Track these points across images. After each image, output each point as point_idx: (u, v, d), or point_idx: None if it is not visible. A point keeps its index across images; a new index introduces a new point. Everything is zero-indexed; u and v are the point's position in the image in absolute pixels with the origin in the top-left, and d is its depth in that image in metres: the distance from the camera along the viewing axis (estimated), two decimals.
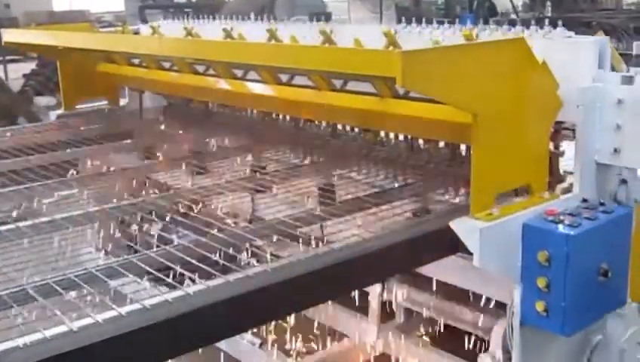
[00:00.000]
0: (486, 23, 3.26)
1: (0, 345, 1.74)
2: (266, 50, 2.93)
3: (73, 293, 2.13)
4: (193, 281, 2.13)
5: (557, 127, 2.84)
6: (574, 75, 2.66)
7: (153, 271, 2.28)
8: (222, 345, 3.75)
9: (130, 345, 1.83)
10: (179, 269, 2.25)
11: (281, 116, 4.14)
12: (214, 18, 4.63)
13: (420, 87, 2.27)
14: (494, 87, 2.41)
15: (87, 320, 1.85)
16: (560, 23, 2.87)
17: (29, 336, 1.77)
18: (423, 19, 3.38)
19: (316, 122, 3.91)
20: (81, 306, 1.96)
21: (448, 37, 3.11)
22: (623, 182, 2.70)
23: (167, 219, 2.93)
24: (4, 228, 2.66)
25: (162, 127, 4.56)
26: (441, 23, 3.37)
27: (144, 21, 10.37)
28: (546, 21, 2.89)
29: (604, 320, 2.71)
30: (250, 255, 2.51)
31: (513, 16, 15.71)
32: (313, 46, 3.04)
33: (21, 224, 2.69)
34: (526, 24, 3.02)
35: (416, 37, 3.26)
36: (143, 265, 2.29)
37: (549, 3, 14.84)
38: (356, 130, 3.72)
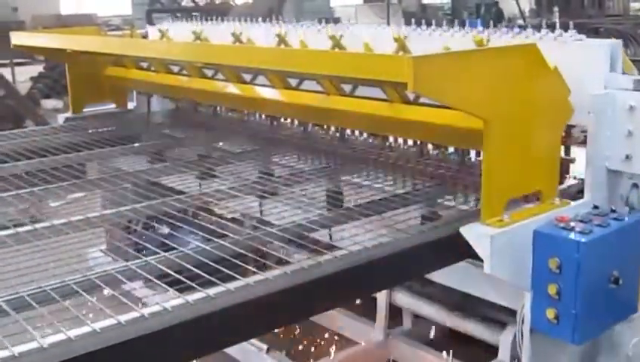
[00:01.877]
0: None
1: (22, 345, 1.75)
2: (275, 55, 2.93)
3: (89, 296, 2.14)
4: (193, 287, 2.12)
5: (567, 130, 2.83)
6: (586, 78, 2.65)
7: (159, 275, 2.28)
8: (229, 349, 3.74)
9: (150, 347, 1.85)
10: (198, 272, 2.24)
11: (289, 121, 4.14)
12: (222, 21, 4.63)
13: (431, 93, 2.26)
14: (505, 93, 2.40)
15: (109, 321, 1.86)
16: (571, 24, 2.86)
17: (51, 337, 1.78)
18: (433, 22, 3.37)
19: (324, 127, 3.91)
20: (101, 308, 1.97)
21: (458, 40, 3.09)
22: (635, 186, 2.69)
23: (176, 222, 2.92)
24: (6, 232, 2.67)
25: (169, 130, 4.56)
26: (451, 23, 3.36)
27: (151, 24, 10.37)
28: (557, 24, 2.88)
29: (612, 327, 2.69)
30: (255, 260, 2.50)
31: (520, 21, 15.72)
32: (324, 51, 3.03)
33: (34, 226, 2.70)
34: (536, 29, 3.01)
35: (426, 40, 3.25)
36: (157, 269, 2.29)
37: (556, 8, 14.82)
38: (365, 134, 3.71)
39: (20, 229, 2.68)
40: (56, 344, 1.76)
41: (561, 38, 2.83)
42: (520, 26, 3.22)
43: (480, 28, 3.10)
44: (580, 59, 2.69)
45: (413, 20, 3.44)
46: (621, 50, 2.74)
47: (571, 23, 2.86)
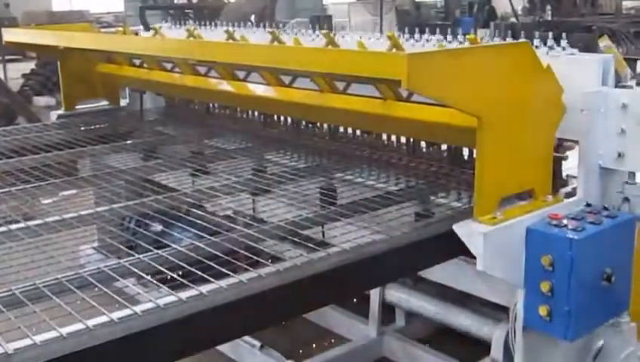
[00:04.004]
0: (486, 26, 3.26)
1: (16, 342, 1.74)
2: (270, 52, 2.92)
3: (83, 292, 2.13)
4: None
5: (560, 142, 2.84)
6: (577, 93, 2.64)
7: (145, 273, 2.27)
8: (222, 347, 3.73)
9: (143, 344, 1.85)
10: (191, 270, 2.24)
11: (282, 118, 4.13)
12: (215, 22, 4.63)
13: (425, 90, 2.26)
14: (499, 91, 2.40)
15: (102, 318, 1.86)
16: (564, 35, 2.86)
17: (45, 334, 1.78)
18: (426, 30, 3.38)
19: (318, 124, 3.90)
20: (94, 305, 1.96)
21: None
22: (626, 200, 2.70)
23: (168, 220, 2.92)
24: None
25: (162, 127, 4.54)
26: (444, 29, 3.36)
27: (144, 22, 10.35)
28: (550, 34, 2.88)
29: (603, 335, 2.70)
30: (248, 258, 2.49)
31: (513, 19, 15.73)
32: (318, 48, 3.03)
33: (27, 224, 2.69)
34: (527, 28, 3.02)
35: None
36: (149, 266, 2.28)
37: (549, 7, 14.84)
38: (358, 132, 3.71)
39: (12, 226, 2.67)
40: (49, 341, 1.76)
41: (553, 52, 2.83)
42: (511, 25, 3.23)
43: (473, 35, 3.10)
44: (571, 74, 2.68)
45: (408, 22, 3.45)
46: (613, 64, 2.74)
47: (564, 34, 2.86)
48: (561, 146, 2.87)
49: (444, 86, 2.24)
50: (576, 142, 2.75)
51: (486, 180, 2.45)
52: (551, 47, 2.84)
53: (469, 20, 17.18)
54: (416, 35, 3.37)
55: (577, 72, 2.71)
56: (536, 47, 2.82)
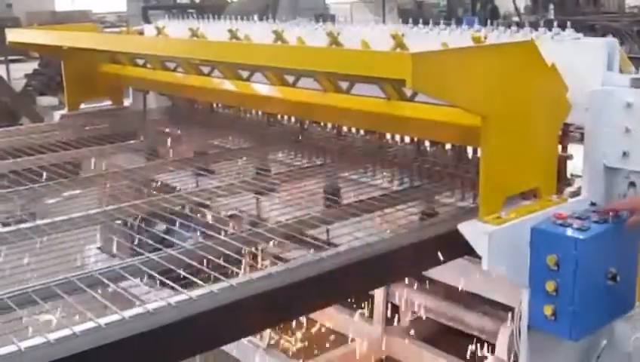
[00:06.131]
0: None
1: (28, 340, 1.75)
2: (273, 52, 2.92)
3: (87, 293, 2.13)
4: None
5: (565, 129, 2.84)
6: (583, 77, 2.65)
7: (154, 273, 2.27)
8: (226, 346, 3.73)
9: (153, 342, 1.85)
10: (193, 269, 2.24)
11: (286, 118, 4.13)
12: (219, 19, 4.63)
13: (430, 89, 2.26)
14: (503, 90, 2.40)
15: (114, 317, 1.87)
16: (569, 24, 2.86)
17: (58, 332, 1.78)
18: (430, 21, 3.38)
19: (321, 124, 3.90)
20: (108, 304, 1.97)
21: (455, 38, 3.10)
22: (632, 184, 2.69)
23: (172, 220, 2.92)
24: (7, 229, 2.66)
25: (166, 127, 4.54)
26: (447, 23, 3.37)
27: (147, 22, 10.36)
28: (555, 23, 2.88)
29: (612, 324, 2.69)
30: (253, 258, 2.50)
31: (516, 19, 15.73)
32: (322, 48, 3.03)
33: (32, 224, 2.69)
34: (533, 26, 3.02)
35: (423, 38, 3.26)
36: (153, 266, 2.28)
37: (552, 6, 14.83)
38: (361, 132, 3.71)
39: (18, 226, 2.67)
40: (62, 339, 1.76)
41: (558, 37, 2.83)
42: (517, 24, 3.23)
43: (477, 26, 3.11)
44: (577, 58, 2.68)
45: (410, 20, 3.45)
46: (618, 48, 2.74)
47: (569, 23, 2.87)
48: (566, 135, 2.87)
49: (449, 85, 2.23)
50: (581, 134, 2.75)
51: (490, 179, 2.45)
52: (556, 33, 2.84)
53: (472, 19, 17.16)
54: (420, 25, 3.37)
55: (582, 56, 2.71)
56: (541, 33, 2.82)
